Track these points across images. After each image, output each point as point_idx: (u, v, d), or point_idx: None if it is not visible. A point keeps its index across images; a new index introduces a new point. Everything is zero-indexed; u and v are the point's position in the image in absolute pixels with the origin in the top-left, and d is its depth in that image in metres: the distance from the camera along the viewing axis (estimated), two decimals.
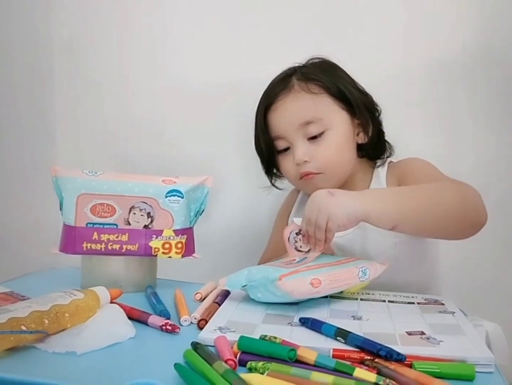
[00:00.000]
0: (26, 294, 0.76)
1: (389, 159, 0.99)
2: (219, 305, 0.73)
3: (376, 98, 0.98)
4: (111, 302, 0.69)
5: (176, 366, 0.51)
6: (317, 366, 0.52)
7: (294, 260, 0.77)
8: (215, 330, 0.62)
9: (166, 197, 0.84)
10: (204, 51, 1.22)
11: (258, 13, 1.20)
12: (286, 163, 0.96)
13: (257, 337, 0.58)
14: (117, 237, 0.82)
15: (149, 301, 0.76)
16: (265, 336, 0.57)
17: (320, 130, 0.92)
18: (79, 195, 0.82)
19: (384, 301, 0.77)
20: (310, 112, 0.91)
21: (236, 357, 0.54)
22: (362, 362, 0.54)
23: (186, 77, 1.24)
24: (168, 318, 0.67)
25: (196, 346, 0.56)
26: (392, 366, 0.52)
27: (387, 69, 1.15)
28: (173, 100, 1.25)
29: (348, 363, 0.53)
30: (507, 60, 1.13)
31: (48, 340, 0.58)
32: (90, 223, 0.82)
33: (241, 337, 0.57)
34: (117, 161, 1.25)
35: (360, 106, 0.93)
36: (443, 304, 0.76)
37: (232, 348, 0.56)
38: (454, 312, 0.71)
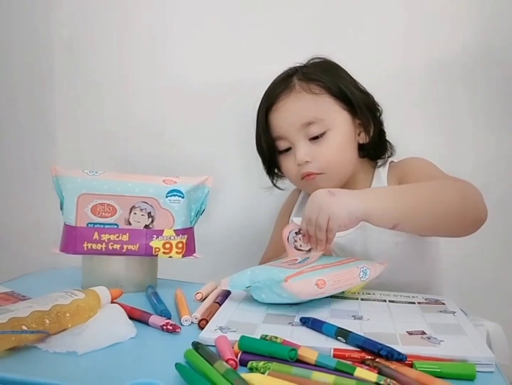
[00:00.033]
0: (26, 294, 0.76)
1: (390, 159, 0.99)
2: (220, 305, 0.73)
3: (376, 98, 0.98)
4: (112, 302, 0.69)
5: (177, 366, 0.51)
6: (318, 366, 0.52)
7: (296, 260, 0.77)
8: (215, 330, 0.62)
9: (166, 196, 0.84)
10: (204, 51, 1.22)
11: (258, 13, 1.20)
12: (287, 163, 0.96)
13: (258, 337, 0.58)
14: (117, 237, 0.82)
15: (149, 301, 0.76)
16: (266, 335, 0.57)
17: (321, 130, 0.92)
18: (79, 195, 0.82)
19: (384, 300, 0.77)
20: (312, 113, 0.91)
21: (237, 357, 0.54)
22: (363, 362, 0.54)
23: (186, 77, 1.24)
24: (169, 318, 0.67)
25: (197, 346, 0.56)
26: (393, 365, 0.52)
27: (387, 69, 1.15)
28: (173, 100, 1.25)
29: (349, 362, 0.53)
30: (507, 60, 1.13)
31: (49, 340, 0.58)
32: (90, 223, 0.82)
33: (242, 337, 0.57)
34: (117, 161, 1.25)
35: (362, 106, 0.94)
36: (443, 304, 0.76)
37: (233, 348, 0.56)
38: (454, 312, 0.71)
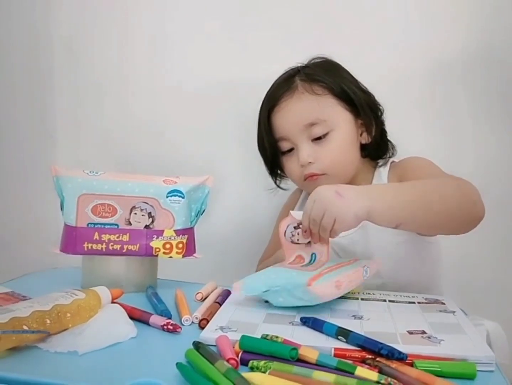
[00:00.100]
0: (27, 294, 0.75)
1: (391, 159, 0.99)
2: (220, 305, 0.73)
3: (376, 98, 0.98)
4: (112, 302, 0.69)
5: (178, 365, 0.51)
6: (319, 365, 0.52)
7: (302, 259, 0.77)
8: (216, 329, 0.62)
9: (167, 197, 0.84)
10: (204, 51, 1.22)
11: (258, 13, 1.20)
12: (290, 164, 0.96)
13: (259, 337, 0.58)
14: (118, 237, 0.82)
15: (150, 301, 0.76)
16: (267, 335, 0.57)
17: (324, 131, 0.92)
18: (80, 195, 0.82)
19: (384, 300, 0.77)
20: (314, 114, 0.91)
21: (237, 357, 0.54)
22: (363, 361, 0.54)
23: (186, 77, 1.24)
24: (170, 318, 0.67)
25: (197, 345, 0.56)
26: (394, 365, 0.52)
27: (387, 69, 1.16)
28: (173, 100, 1.25)
29: (350, 362, 0.53)
30: (507, 60, 1.13)
31: (50, 340, 0.58)
32: (91, 223, 0.82)
33: (243, 337, 0.57)
34: (117, 161, 1.25)
35: (364, 106, 0.94)
36: (443, 304, 0.76)
37: (233, 347, 0.56)
38: (454, 311, 0.72)
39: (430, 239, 0.93)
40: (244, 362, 0.53)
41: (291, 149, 0.95)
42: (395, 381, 0.48)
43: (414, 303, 0.76)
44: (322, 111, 0.91)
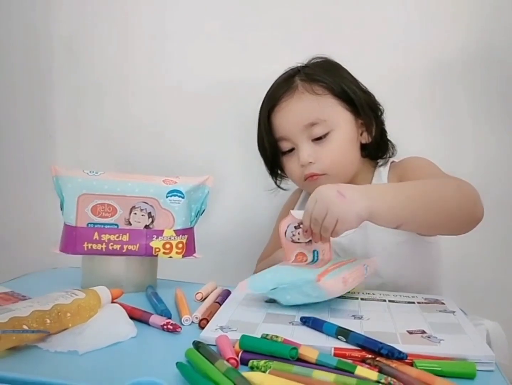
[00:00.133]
0: (26, 294, 0.75)
1: (391, 159, 0.99)
2: (220, 305, 0.73)
3: (376, 98, 0.98)
4: (112, 302, 0.69)
5: (178, 364, 0.51)
6: (319, 365, 0.52)
7: (304, 258, 0.77)
8: (216, 329, 0.62)
9: (167, 197, 0.84)
10: (204, 51, 1.22)
11: (258, 13, 1.20)
12: (290, 164, 0.96)
13: (259, 336, 0.58)
14: (118, 237, 0.82)
15: (150, 301, 0.76)
16: (267, 335, 0.57)
17: (324, 131, 0.92)
18: (80, 195, 0.82)
19: (384, 300, 0.77)
20: (315, 114, 0.91)
21: (237, 356, 0.54)
22: (363, 361, 0.54)
23: (186, 77, 1.24)
24: (169, 318, 0.67)
25: (197, 345, 0.56)
26: (394, 364, 0.52)
27: (387, 69, 1.16)
28: (173, 100, 1.25)
29: (350, 361, 0.53)
30: (507, 60, 1.13)
31: (50, 340, 0.58)
32: (91, 223, 0.82)
33: (243, 336, 0.57)
34: (117, 161, 1.25)
35: (364, 106, 0.94)
36: (443, 304, 0.76)
37: (233, 347, 0.56)
38: (454, 311, 0.72)
39: (430, 239, 0.93)
40: (244, 362, 0.53)
41: (291, 149, 0.95)
42: (395, 380, 0.48)
43: (414, 303, 0.76)
44: (322, 111, 0.91)
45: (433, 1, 1.16)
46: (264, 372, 0.50)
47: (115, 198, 0.82)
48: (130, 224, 0.83)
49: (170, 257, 0.84)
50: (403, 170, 0.94)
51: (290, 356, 0.53)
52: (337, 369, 0.51)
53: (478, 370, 0.53)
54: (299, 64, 0.98)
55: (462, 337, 0.61)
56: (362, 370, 0.50)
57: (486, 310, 0.88)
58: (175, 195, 0.84)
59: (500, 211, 1.11)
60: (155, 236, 0.83)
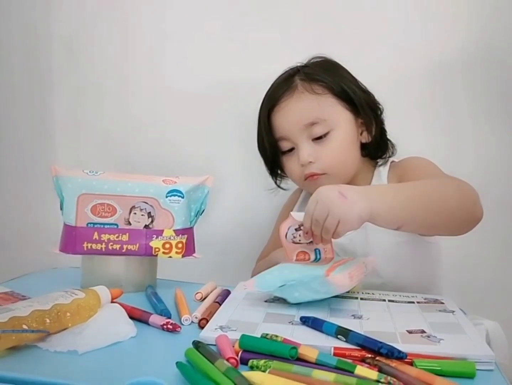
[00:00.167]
0: (26, 294, 0.75)
1: (391, 159, 0.99)
2: (220, 305, 0.73)
3: (376, 98, 0.98)
4: (112, 302, 0.69)
5: (178, 364, 0.51)
6: (319, 364, 0.52)
7: (307, 257, 0.77)
8: (216, 329, 0.62)
9: (166, 196, 0.84)
10: (204, 51, 1.22)
11: (258, 13, 1.20)
12: (290, 164, 0.96)
13: (259, 336, 0.58)
14: (117, 237, 0.82)
15: (149, 301, 0.76)
16: (267, 334, 0.57)
17: (324, 131, 0.92)
18: (79, 195, 0.82)
19: (384, 300, 0.77)
20: (314, 113, 0.91)
21: (237, 356, 0.54)
22: (363, 360, 0.54)
23: (186, 77, 1.24)
24: (169, 317, 0.67)
25: (197, 344, 0.56)
26: (393, 364, 0.52)
27: (387, 69, 1.16)
28: (173, 100, 1.25)
29: (349, 361, 0.53)
30: (507, 60, 1.13)
31: (50, 339, 0.58)
32: (90, 223, 0.82)
33: (243, 336, 0.57)
34: (117, 161, 1.25)
35: (364, 106, 0.94)
36: (443, 303, 0.76)
37: (233, 346, 0.56)
38: (454, 311, 0.72)
39: (430, 239, 0.93)
40: (244, 361, 0.53)
41: (291, 149, 0.95)
42: (394, 380, 0.48)
43: (413, 302, 0.76)
44: (322, 111, 0.91)
45: (433, 1, 1.16)
46: (264, 371, 0.50)
47: (115, 197, 0.82)
48: (129, 223, 0.83)
49: (170, 257, 0.84)
50: (403, 170, 0.94)
51: (290, 355, 0.53)
52: (337, 369, 0.51)
53: (477, 369, 0.53)
54: (298, 64, 0.98)
55: (461, 337, 0.61)
56: (361, 370, 0.50)
57: (486, 310, 0.88)
58: (174, 195, 0.84)
59: (500, 211, 1.11)
60: (154, 236, 0.83)
